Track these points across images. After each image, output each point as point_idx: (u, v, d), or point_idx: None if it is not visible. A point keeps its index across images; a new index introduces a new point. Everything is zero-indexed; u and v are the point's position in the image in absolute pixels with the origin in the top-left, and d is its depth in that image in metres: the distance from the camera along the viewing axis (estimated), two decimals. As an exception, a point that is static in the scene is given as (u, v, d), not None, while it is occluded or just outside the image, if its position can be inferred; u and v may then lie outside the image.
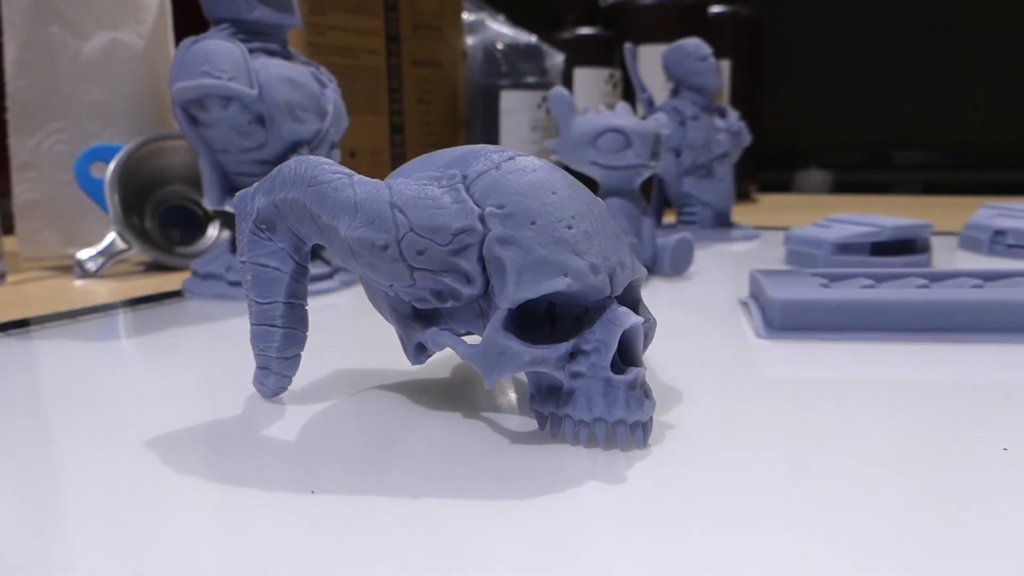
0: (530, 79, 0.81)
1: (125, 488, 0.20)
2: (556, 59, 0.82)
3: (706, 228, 0.65)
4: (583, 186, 0.25)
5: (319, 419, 0.25)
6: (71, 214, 0.61)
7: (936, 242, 0.60)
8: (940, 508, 0.18)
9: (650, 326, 0.25)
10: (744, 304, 0.40)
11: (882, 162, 1.99)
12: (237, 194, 0.26)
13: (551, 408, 0.23)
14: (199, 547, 0.17)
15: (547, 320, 0.23)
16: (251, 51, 0.43)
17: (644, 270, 0.25)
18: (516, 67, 0.81)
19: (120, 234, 0.55)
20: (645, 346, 0.25)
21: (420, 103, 0.78)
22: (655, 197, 0.66)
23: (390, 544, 0.17)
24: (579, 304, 0.23)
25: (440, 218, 0.22)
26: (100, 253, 0.55)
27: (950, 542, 0.17)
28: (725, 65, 0.96)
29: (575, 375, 0.22)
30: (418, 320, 0.25)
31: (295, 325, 0.26)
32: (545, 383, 0.23)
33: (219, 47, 0.41)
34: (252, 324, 0.26)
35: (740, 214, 0.87)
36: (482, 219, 0.22)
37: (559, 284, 0.22)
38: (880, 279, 0.38)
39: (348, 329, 0.38)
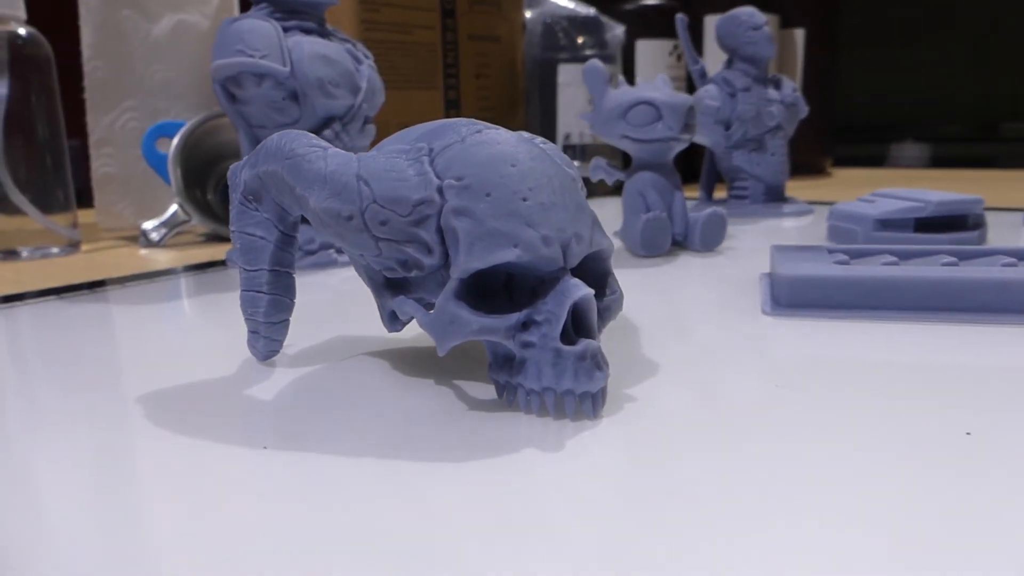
0: (589, 52, 0.80)
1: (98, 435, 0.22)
2: (616, 31, 0.81)
3: (757, 203, 0.63)
4: (553, 158, 0.25)
5: (302, 382, 0.27)
6: (144, 187, 0.65)
7: (1002, 219, 0.57)
8: (913, 495, 0.18)
9: (614, 299, 0.25)
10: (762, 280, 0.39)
11: (988, 134, 1.86)
12: (230, 167, 0.27)
13: (506, 377, 0.23)
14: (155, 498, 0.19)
15: (505, 291, 0.24)
16: (287, 30, 0.44)
17: (609, 242, 0.25)
18: (575, 40, 0.80)
19: (181, 206, 0.58)
20: (609, 318, 0.25)
21: (478, 78, 0.78)
22: (705, 171, 0.65)
23: (342, 506, 0.18)
24: (534, 275, 0.23)
25: (401, 190, 0.23)
26: (163, 224, 0.58)
27: (922, 528, 0.16)
28: (799, 34, 0.93)
29: (526, 345, 0.22)
30: (389, 288, 0.26)
31: (281, 292, 0.27)
32: (501, 352, 0.23)
33: (254, 26, 0.43)
34: (241, 290, 0.27)
35: (808, 189, 0.84)
36: (440, 191, 0.23)
37: (509, 255, 0.22)
38: (905, 256, 0.36)
39: (363, 299, 0.39)
